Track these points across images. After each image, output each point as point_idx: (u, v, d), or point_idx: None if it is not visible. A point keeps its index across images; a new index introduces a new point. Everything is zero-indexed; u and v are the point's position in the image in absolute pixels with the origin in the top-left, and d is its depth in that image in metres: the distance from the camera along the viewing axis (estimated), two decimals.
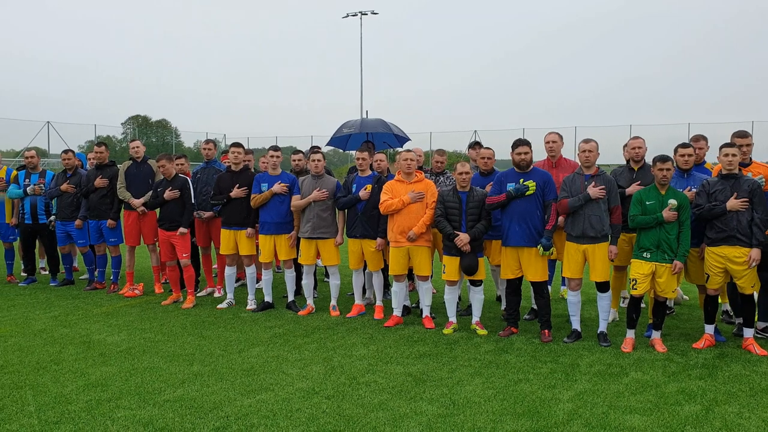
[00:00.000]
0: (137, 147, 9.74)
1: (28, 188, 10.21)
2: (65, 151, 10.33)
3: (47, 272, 11.15)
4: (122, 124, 66.04)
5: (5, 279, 10.88)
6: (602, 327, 7.03)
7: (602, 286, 7.00)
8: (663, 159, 6.56)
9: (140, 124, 66.10)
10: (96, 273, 10.21)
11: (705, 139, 7.63)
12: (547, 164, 7.87)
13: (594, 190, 6.75)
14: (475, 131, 45.28)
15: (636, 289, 6.65)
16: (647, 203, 6.60)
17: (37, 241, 10.78)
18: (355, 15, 52.64)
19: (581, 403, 5.22)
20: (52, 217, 10.30)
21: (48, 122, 42.78)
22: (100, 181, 9.62)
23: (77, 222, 9.90)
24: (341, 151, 42.78)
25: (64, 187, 9.92)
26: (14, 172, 10.60)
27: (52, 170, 11.10)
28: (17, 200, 10.42)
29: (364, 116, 11.77)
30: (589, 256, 6.89)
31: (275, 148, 8.68)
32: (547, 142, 7.89)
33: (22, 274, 11.08)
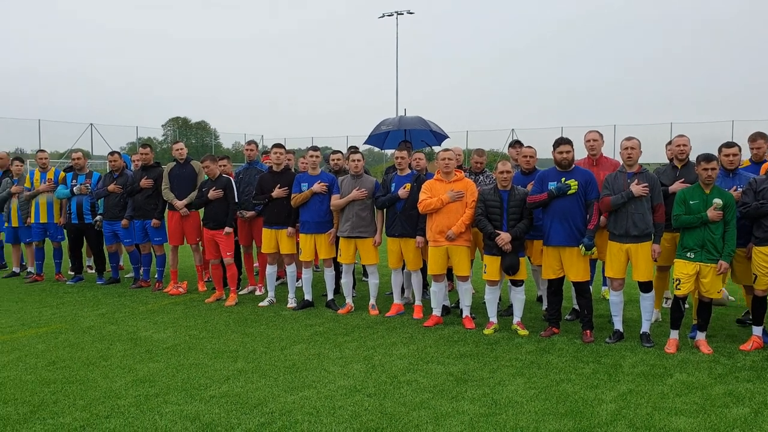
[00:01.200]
0: (181, 149, 9.94)
1: (74, 188, 10.52)
2: (111, 153, 10.59)
3: (93, 271, 11.46)
4: (162, 125, 67.08)
5: (54, 277, 11.21)
6: (645, 327, 6.94)
7: (645, 286, 6.91)
8: (708, 158, 6.42)
9: (180, 126, 66.99)
10: (141, 271, 10.47)
11: (764, 137, 7.34)
12: (587, 163, 7.79)
13: (637, 188, 6.67)
14: (513, 130, 44.99)
15: (680, 289, 6.55)
16: (691, 203, 6.48)
17: (84, 240, 11.08)
18: (391, 15, 52.78)
19: (625, 404, 5.17)
20: (98, 217, 10.57)
21: (91, 124, 43.96)
22: (145, 182, 9.85)
23: (123, 222, 10.15)
24: (376, 150, 42.97)
25: (111, 187, 10.18)
26: (62, 174, 10.95)
27: (97, 171, 11.39)
28: (65, 200, 10.73)
29: (402, 114, 11.77)
30: (632, 256, 6.80)
31: (314, 149, 8.79)
32: (588, 141, 7.81)
33: (70, 272, 11.40)
